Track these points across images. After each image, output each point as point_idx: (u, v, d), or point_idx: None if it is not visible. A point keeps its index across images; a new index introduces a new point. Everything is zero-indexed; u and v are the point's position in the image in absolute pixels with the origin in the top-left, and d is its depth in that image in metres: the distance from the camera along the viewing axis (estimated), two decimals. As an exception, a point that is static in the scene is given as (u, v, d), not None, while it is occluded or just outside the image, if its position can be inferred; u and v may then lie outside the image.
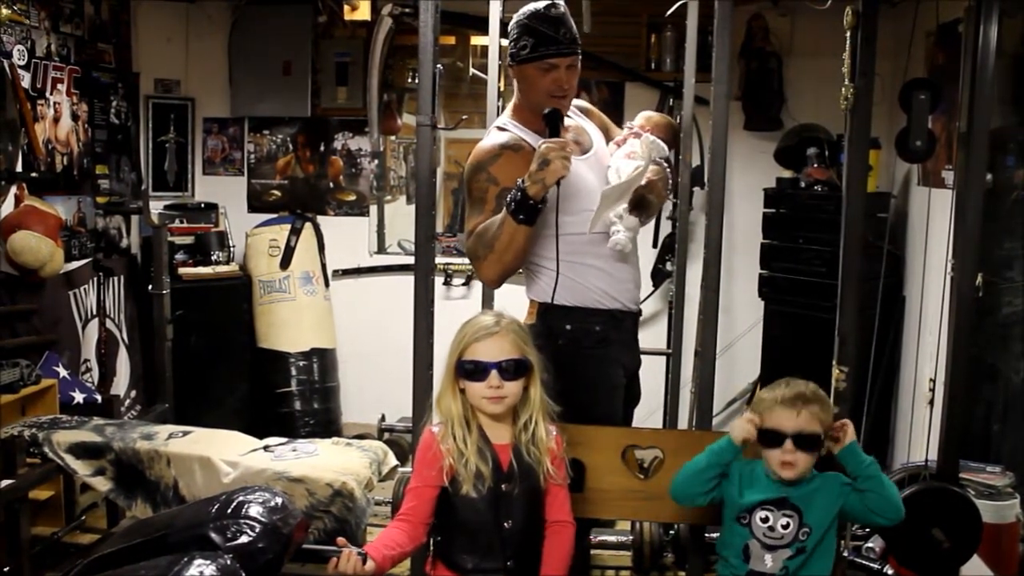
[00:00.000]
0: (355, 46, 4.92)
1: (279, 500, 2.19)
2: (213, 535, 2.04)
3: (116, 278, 4.46)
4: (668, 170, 2.56)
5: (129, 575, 1.87)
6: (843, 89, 2.30)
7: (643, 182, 2.41)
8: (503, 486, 2.01)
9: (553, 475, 2.05)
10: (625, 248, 2.42)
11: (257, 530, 2.06)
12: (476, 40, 4.78)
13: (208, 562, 1.90)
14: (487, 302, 3.42)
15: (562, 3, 2.44)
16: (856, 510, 2.05)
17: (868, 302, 3.27)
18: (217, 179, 5.14)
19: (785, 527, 2.03)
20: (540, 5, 2.40)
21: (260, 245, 4.82)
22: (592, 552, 3.33)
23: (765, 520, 2.04)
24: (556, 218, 2.32)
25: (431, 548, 2.14)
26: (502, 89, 3.41)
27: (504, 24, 3.30)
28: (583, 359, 2.42)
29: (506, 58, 2.49)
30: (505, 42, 3.37)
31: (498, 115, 3.29)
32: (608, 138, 2.64)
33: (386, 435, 4.32)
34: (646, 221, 2.59)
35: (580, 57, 2.46)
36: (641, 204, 2.44)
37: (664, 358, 3.95)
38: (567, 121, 2.39)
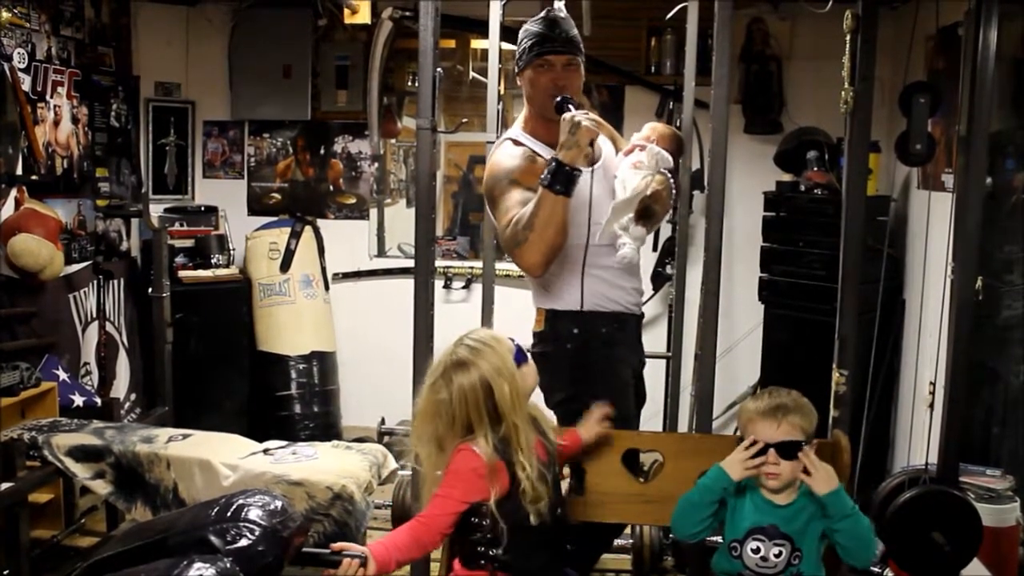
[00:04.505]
0: (355, 49, 4.92)
1: (279, 503, 2.19)
2: (213, 538, 2.04)
3: (116, 281, 4.45)
4: (672, 181, 2.61)
5: (129, 578, 1.87)
6: (843, 93, 2.30)
7: (648, 192, 2.46)
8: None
9: None
10: (632, 261, 2.50)
11: (257, 533, 2.06)
12: (476, 43, 4.79)
13: (208, 565, 1.90)
14: (487, 306, 3.41)
15: (563, 9, 2.49)
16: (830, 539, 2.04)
17: (868, 305, 3.27)
18: (217, 182, 5.14)
19: (778, 555, 2.02)
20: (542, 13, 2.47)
21: (260, 248, 4.82)
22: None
23: (756, 551, 2.03)
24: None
25: (483, 563, 2.00)
26: (502, 93, 3.42)
27: (504, 28, 3.32)
28: (593, 361, 2.48)
29: (506, 62, 2.51)
30: (505, 45, 3.39)
31: (498, 119, 3.32)
32: (616, 149, 2.68)
33: (386, 438, 4.32)
34: (651, 230, 2.64)
35: (581, 59, 2.49)
36: (647, 214, 2.50)
37: (664, 361, 3.94)
38: None
